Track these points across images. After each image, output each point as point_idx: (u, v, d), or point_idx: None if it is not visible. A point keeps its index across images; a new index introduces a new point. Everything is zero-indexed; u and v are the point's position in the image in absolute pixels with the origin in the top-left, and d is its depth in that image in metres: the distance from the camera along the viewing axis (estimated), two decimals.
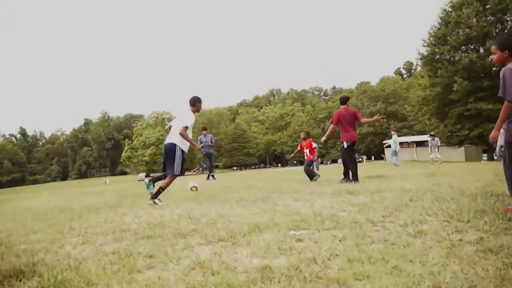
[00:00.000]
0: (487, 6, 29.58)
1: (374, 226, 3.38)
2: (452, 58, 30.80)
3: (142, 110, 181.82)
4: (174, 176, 6.12)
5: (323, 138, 9.00)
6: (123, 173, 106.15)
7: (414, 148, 46.33)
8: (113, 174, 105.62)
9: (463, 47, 31.28)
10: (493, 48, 3.66)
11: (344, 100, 8.41)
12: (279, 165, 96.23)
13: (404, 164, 27.60)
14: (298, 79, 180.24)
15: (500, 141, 16.77)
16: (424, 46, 33.55)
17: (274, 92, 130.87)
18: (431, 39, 32.67)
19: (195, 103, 6.50)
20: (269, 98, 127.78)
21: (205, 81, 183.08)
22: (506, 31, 29.37)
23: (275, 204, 5.20)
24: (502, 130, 13.54)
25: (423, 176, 9.38)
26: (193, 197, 7.02)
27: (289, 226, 3.48)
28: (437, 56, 32.47)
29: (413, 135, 67.58)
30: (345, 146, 8.26)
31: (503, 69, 3.44)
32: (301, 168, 9.98)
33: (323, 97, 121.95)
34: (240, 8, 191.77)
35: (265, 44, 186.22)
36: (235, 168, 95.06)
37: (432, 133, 22.24)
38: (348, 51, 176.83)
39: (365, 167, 23.13)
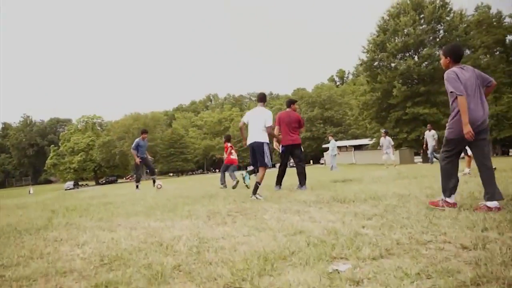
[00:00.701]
0: (422, 16, 31.07)
1: (428, 249, 2.45)
2: (390, 64, 31.86)
3: (70, 114, 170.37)
4: (266, 168, 6.58)
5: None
6: (48, 181, 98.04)
7: (352, 152, 47.64)
8: (36, 183, 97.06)
9: (400, 54, 32.50)
10: (440, 54, 4.19)
11: (288, 103, 7.94)
12: (217, 170, 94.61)
13: (347, 167, 27.91)
14: (235, 84, 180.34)
15: (431, 142, 16.64)
16: (364, 52, 34.51)
17: (211, 97, 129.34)
18: (371, 46, 33.65)
19: (265, 98, 7.08)
20: (206, 103, 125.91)
21: (139, 84, 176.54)
22: (438, 40, 31.00)
23: (262, 218, 4.09)
24: (431, 132, 16.98)
25: (395, 178, 8.79)
26: (146, 210, 5.65)
27: (315, 255, 2.40)
28: (376, 63, 33.49)
29: (348, 139, 69.95)
30: (280, 150, 7.74)
31: (445, 72, 3.83)
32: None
33: None
34: (176, 10, 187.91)
35: (201, 48, 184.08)
36: (171, 174, 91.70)
37: (385, 130, 20.68)
38: (284, 58, 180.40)
39: (316, 170, 22.68)
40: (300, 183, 7.49)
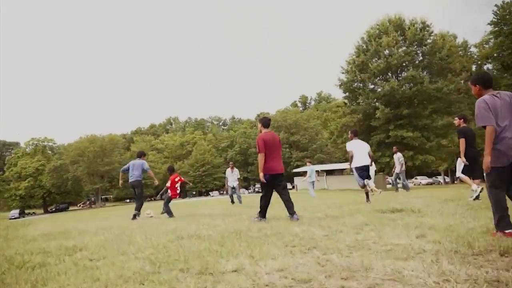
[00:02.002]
0: (403, 37, 30.56)
1: None
2: (372, 86, 30.89)
3: (18, 137, 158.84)
4: None
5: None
6: None
7: (324, 176, 46.18)
8: None
9: (382, 75, 31.68)
10: (469, 83, 4.18)
11: (268, 122, 6.77)
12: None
13: (323, 193, 25.92)
14: (196, 108, 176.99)
15: (397, 169, 15.15)
16: (342, 73, 33.44)
17: (172, 121, 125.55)
18: (350, 66, 32.63)
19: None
20: (166, 126, 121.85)
21: (95, 106, 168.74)
22: (420, 62, 30.47)
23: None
24: (397, 155, 15.22)
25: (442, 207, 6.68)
26: (146, 270, 3.16)
27: None
28: (356, 84, 32.47)
29: (313, 164, 68.90)
30: (264, 178, 6.50)
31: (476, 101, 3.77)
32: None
33: (222, 126, 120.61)
34: (134, 31, 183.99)
35: (160, 70, 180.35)
36: (128, 200, 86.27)
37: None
38: (245, 82, 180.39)
39: (308, 197, 20.17)
40: (290, 212, 6.45)
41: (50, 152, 77.15)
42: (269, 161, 6.44)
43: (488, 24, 36.98)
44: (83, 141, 70.12)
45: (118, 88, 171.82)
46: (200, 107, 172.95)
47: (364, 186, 9.39)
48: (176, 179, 9.97)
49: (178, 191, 9.98)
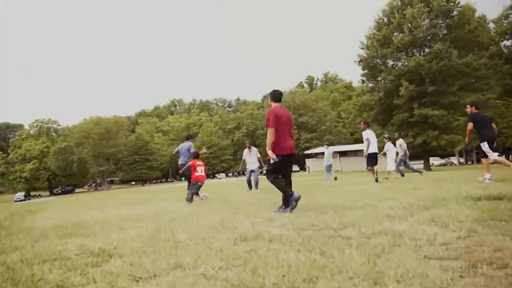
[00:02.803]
0: (428, 9, 28.42)
1: None
2: (395, 61, 28.94)
3: (22, 119, 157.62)
4: None
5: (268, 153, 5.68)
6: None
7: (338, 158, 44.67)
8: None
9: (406, 49, 29.63)
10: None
11: (279, 97, 5.85)
12: (183, 178, 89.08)
13: (345, 175, 24.58)
14: (200, 89, 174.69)
15: (400, 155, 13.84)
16: (362, 48, 31.42)
17: (176, 102, 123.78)
18: (371, 41, 30.59)
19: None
20: (170, 108, 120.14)
21: (99, 88, 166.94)
22: (447, 35, 28.39)
23: None
24: (399, 141, 14.75)
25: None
26: None
27: None
28: (377, 60, 30.50)
29: (322, 146, 67.22)
30: (276, 159, 5.50)
31: None
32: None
33: (228, 108, 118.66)
34: (136, 13, 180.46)
35: (164, 52, 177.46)
36: (133, 183, 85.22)
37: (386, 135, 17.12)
38: (251, 63, 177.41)
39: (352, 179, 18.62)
40: (285, 203, 5.53)
41: (54, 134, 75.70)
42: (281, 140, 5.46)
43: None
44: (87, 123, 68.63)
45: (122, 70, 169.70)
46: (204, 89, 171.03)
47: (372, 170, 11.25)
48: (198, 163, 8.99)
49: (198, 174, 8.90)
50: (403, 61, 29.22)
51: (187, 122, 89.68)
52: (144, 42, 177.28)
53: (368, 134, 11.20)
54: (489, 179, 8.14)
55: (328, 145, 17.12)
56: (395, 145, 14.63)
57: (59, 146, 66.04)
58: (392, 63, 30.32)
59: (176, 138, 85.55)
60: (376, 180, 11.21)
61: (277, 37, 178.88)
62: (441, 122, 27.40)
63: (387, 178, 14.20)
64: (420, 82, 28.34)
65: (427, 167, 29.44)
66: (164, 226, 5.06)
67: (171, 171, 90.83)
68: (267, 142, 5.49)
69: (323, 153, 18.09)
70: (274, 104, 5.74)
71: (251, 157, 12.35)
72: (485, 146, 8.27)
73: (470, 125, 8.32)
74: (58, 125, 77.83)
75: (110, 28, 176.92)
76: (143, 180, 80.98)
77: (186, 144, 10.37)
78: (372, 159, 11.17)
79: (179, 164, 10.25)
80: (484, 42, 29.55)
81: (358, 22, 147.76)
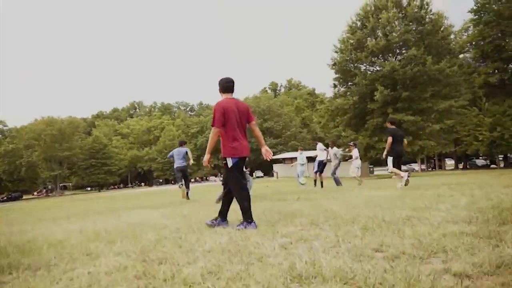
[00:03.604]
0: (404, 12, 28.31)
1: None
2: (370, 65, 28.44)
3: None
4: None
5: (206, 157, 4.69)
6: None
7: (306, 164, 43.76)
8: None
9: (381, 54, 29.26)
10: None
11: (228, 85, 4.63)
12: (143, 184, 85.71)
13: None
14: (161, 93, 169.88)
15: (334, 163, 14.52)
16: (336, 52, 30.77)
17: (136, 105, 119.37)
18: (345, 45, 30.04)
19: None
20: (130, 111, 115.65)
21: (52, 87, 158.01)
22: (423, 41, 28.26)
23: None
24: (333, 150, 14.68)
25: None
26: None
27: None
28: (351, 64, 29.96)
29: (288, 151, 66.56)
30: (229, 164, 4.47)
31: None
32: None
33: (190, 112, 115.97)
34: (98, 16, 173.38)
35: (122, 54, 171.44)
36: (89, 188, 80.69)
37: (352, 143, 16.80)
38: (212, 68, 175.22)
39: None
40: (246, 218, 4.37)
41: (0, 135, 70.18)
42: (235, 139, 4.41)
43: (469, 11, 36.38)
44: (38, 124, 63.85)
45: (78, 70, 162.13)
46: (165, 92, 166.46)
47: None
48: None
49: None
50: (378, 65, 28.82)
51: (148, 125, 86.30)
52: (102, 42, 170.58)
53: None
54: (402, 185, 9.09)
55: (302, 149, 16.92)
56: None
57: (5, 148, 61.02)
58: (366, 67, 29.90)
59: (135, 141, 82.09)
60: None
61: (240, 42, 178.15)
62: (414, 128, 27.16)
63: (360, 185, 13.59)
64: (394, 88, 28.03)
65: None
66: (153, 250, 3.47)
67: (130, 176, 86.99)
68: (209, 144, 4.46)
69: (291, 158, 17.65)
70: (224, 96, 4.57)
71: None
72: (389, 160, 9.37)
73: (390, 139, 9.29)
74: (5, 126, 72.21)
75: (67, 25, 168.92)
76: (99, 186, 76.61)
77: (183, 149, 11.48)
78: (321, 166, 13.57)
79: (181, 166, 11.30)
80: (455, 49, 29.74)
81: (320, 29, 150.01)
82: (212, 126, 4.38)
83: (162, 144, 75.98)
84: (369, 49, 28.29)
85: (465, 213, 4.18)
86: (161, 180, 77.85)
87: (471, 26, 37.43)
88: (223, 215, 4.71)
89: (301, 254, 2.82)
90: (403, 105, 27.55)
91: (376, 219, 4.20)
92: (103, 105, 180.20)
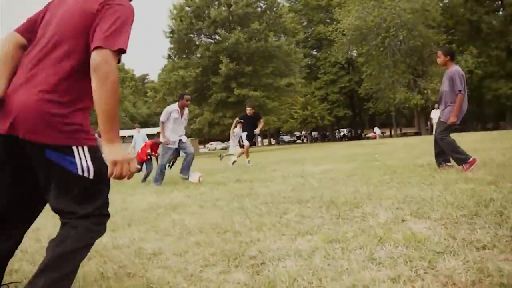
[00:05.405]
0: None
1: None
2: (213, 36, 26.44)
3: None
4: None
5: None
6: None
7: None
8: None
9: (223, 25, 27.46)
10: (438, 53, 5.03)
11: None
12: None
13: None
14: None
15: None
16: (172, 19, 27.45)
17: None
18: (184, 11, 27.04)
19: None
20: None
21: None
22: (263, 17, 27.93)
23: None
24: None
25: None
26: None
27: None
28: (192, 34, 27.31)
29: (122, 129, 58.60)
30: None
31: (449, 71, 4.72)
32: None
33: None
34: None
35: None
36: None
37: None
38: None
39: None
40: None
41: None
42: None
43: None
44: None
45: None
46: None
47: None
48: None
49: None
50: (221, 37, 27.17)
51: None
52: None
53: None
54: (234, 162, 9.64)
55: (139, 126, 14.02)
56: None
57: None
58: (208, 38, 27.89)
59: None
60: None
61: None
62: (257, 104, 26.91)
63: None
64: (238, 62, 27.00)
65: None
66: None
67: None
68: None
69: (131, 137, 14.76)
70: None
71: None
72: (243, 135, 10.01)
73: (241, 125, 10.03)
74: None
75: None
76: None
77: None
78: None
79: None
80: (291, 29, 30.79)
81: None
82: None
83: None
84: (211, 18, 26.33)
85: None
86: None
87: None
88: None
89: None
90: (246, 81, 26.89)
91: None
92: None
